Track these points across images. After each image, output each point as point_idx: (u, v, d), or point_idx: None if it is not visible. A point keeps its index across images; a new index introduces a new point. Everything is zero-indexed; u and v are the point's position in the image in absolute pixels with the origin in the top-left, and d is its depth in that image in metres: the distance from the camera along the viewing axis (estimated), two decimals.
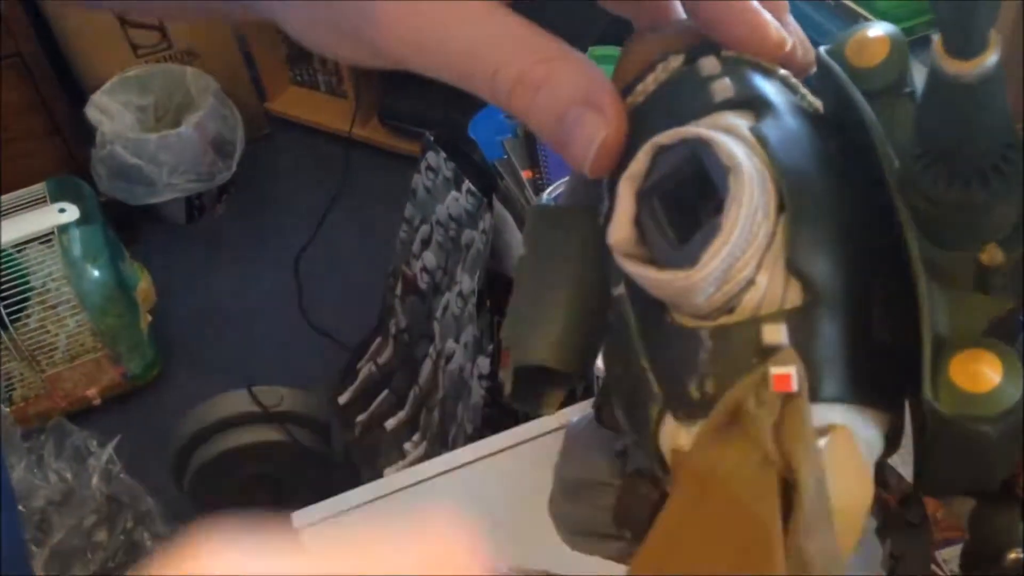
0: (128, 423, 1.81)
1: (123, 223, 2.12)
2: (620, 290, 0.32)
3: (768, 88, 0.30)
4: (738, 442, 0.26)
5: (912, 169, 0.27)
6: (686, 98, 0.30)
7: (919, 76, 0.28)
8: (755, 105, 0.29)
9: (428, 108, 2.11)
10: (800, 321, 0.27)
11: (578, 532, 0.48)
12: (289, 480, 1.57)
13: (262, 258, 2.18)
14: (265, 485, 1.59)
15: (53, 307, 1.77)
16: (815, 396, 0.27)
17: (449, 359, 1.36)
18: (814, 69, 0.32)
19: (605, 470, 0.43)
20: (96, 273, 1.78)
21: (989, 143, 0.25)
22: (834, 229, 0.28)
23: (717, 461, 0.27)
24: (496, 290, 1.25)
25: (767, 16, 0.30)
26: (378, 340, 1.65)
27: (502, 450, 0.96)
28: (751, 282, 0.27)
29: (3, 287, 1.71)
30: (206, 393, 1.58)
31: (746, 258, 0.27)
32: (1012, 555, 0.31)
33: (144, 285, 1.97)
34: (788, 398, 0.26)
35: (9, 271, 1.73)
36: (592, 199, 0.37)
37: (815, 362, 0.27)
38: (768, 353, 0.27)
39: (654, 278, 0.28)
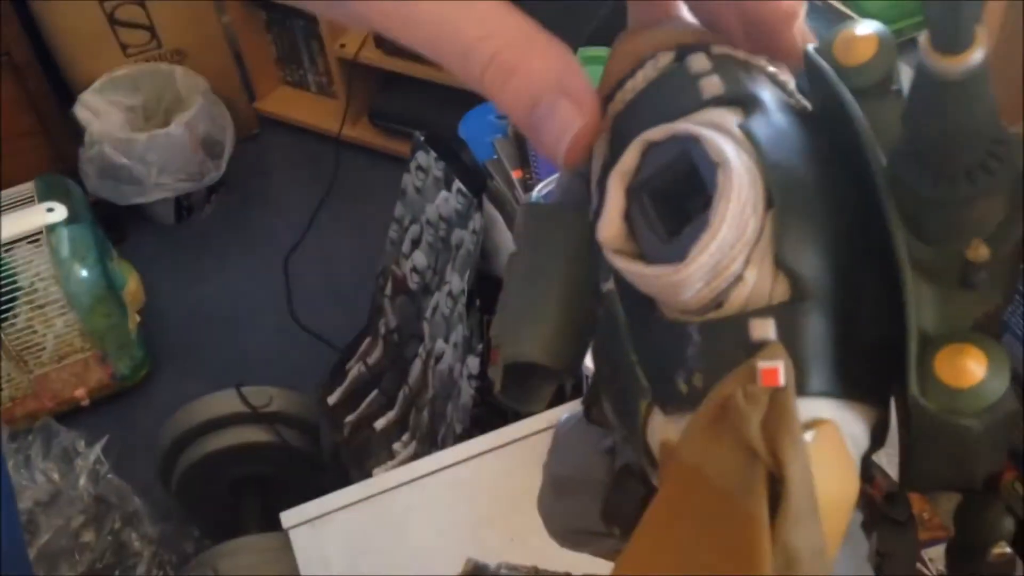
0: (116, 424, 1.81)
1: (112, 223, 2.11)
2: (609, 286, 0.32)
3: (757, 85, 0.30)
4: (726, 436, 0.26)
5: (899, 166, 0.27)
6: (675, 95, 0.30)
7: (906, 79, 0.29)
8: (744, 102, 0.29)
9: (418, 108, 2.11)
10: (788, 316, 0.27)
11: (567, 529, 0.48)
12: (277, 481, 1.57)
13: (251, 258, 2.18)
14: (253, 486, 1.59)
15: (41, 307, 1.76)
16: (802, 390, 0.27)
17: (439, 359, 1.36)
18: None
19: (594, 467, 0.43)
20: (84, 273, 1.78)
21: (976, 140, 0.26)
22: (822, 225, 0.28)
23: (705, 455, 0.27)
24: (486, 290, 1.25)
25: None
26: (368, 340, 1.65)
27: (491, 450, 0.96)
28: (739, 277, 0.27)
29: None
30: (194, 394, 1.57)
31: (734, 253, 0.27)
32: (997, 550, 0.32)
33: (133, 285, 1.97)
34: (775, 392, 0.26)
35: None
36: (582, 197, 0.37)
37: (802, 357, 0.27)
38: (756, 348, 0.27)
39: (643, 273, 0.28)
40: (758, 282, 0.27)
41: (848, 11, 1.05)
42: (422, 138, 1.37)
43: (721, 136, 0.28)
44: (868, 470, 0.34)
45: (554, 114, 0.29)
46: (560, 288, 0.35)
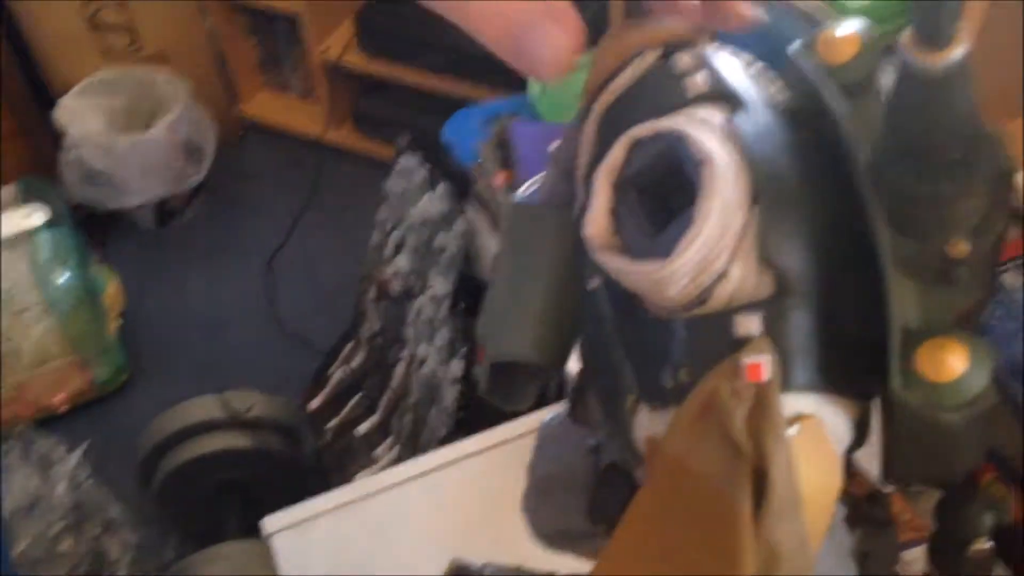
0: (96, 430, 1.79)
1: (92, 227, 2.10)
2: (595, 283, 0.32)
3: (741, 83, 0.30)
4: (710, 431, 0.27)
5: (882, 163, 0.28)
6: (661, 92, 0.31)
7: (888, 79, 0.29)
8: (729, 100, 0.30)
9: (401, 113, 2.11)
10: (772, 311, 0.27)
11: (552, 530, 0.48)
12: (259, 487, 1.56)
13: (233, 263, 2.17)
14: (234, 492, 1.58)
15: (20, 312, 1.74)
16: (786, 385, 0.27)
17: (422, 363, 1.36)
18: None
19: (578, 466, 0.43)
20: (64, 278, 1.76)
21: (957, 136, 0.26)
22: (806, 222, 0.28)
23: (689, 450, 0.27)
24: (470, 293, 1.25)
25: None
26: (350, 345, 1.64)
27: (474, 453, 0.96)
28: (724, 273, 0.28)
29: None
30: (176, 399, 1.56)
31: (719, 249, 0.27)
32: (977, 545, 0.32)
33: (113, 290, 1.95)
34: (760, 388, 0.26)
35: None
36: (567, 196, 0.37)
37: (786, 352, 0.27)
38: (741, 343, 0.27)
39: (629, 269, 0.29)
40: (743, 278, 0.28)
41: (820, 11, 1.05)
42: (406, 141, 1.37)
43: (706, 133, 0.28)
44: (851, 466, 0.34)
45: (543, 34, 0.29)
46: (546, 287, 0.35)
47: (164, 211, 2.23)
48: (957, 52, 0.24)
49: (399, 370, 1.44)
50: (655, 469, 0.28)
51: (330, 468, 1.54)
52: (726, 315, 0.28)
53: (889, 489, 0.38)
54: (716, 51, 0.32)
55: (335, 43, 2.14)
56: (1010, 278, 0.89)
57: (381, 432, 1.49)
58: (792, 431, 0.27)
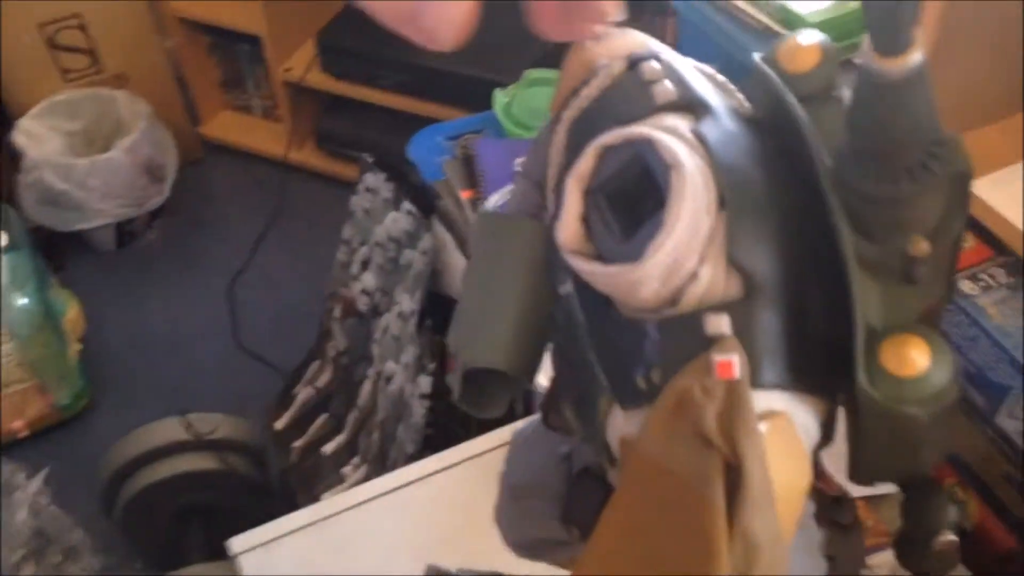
0: (57, 455, 1.76)
1: (51, 250, 2.07)
2: (567, 288, 0.33)
3: (707, 92, 0.31)
4: (683, 429, 0.27)
5: (843, 167, 0.28)
6: (629, 101, 0.31)
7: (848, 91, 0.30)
8: (695, 108, 0.31)
9: (364, 132, 2.11)
10: (741, 312, 0.28)
11: (525, 539, 0.48)
12: (223, 509, 1.54)
13: (195, 284, 2.15)
14: (198, 515, 1.56)
15: None
16: (755, 383, 0.28)
17: (389, 380, 1.36)
18: None
19: (551, 474, 0.43)
20: (23, 301, 1.74)
21: (916, 139, 0.27)
22: (772, 224, 0.29)
23: (663, 448, 0.27)
24: (437, 309, 1.25)
25: None
26: (316, 364, 1.63)
27: (443, 469, 0.96)
28: (694, 275, 0.28)
29: None
30: (138, 423, 1.54)
31: (689, 252, 0.28)
32: (943, 538, 0.33)
33: (73, 313, 1.93)
34: (731, 384, 0.27)
35: None
36: (537, 206, 0.38)
37: (755, 351, 0.28)
38: (711, 343, 0.28)
39: (601, 273, 0.29)
40: (712, 280, 0.28)
41: (775, 25, 1.08)
42: (371, 159, 1.37)
43: (674, 139, 0.29)
44: (818, 465, 0.35)
45: (441, 10, 0.30)
46: (516, 295, 0.36)
47: (124, 233, 2.21)
48: (914, 57, 0.25)
49: (366, 388, 1.44)
50: (630, 470, 0.29)
51: (297, 488, 1.52)
52: (697, 316, 0.28)
53: (855, 493, 0.39)
54: (682, 61, 0.32)
55: (297, 63, 2.14)
56: (968, 285, 0.91)
57: (348, 451, 1.48)
58: (762, 428, 0.27)
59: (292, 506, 0.95)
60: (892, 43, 0.24)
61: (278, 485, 1.61)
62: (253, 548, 0.90)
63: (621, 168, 0.30)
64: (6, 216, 1.83)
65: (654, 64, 0.32)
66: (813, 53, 0.31)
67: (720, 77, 0.33)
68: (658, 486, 0.27)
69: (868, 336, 0.28)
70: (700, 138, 0.29)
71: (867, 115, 0.27)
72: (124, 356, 2.01)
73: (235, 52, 2.32)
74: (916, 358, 0.28)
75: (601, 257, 0.30)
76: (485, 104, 1.40)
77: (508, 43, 1.85)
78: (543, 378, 0.38)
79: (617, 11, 0.33)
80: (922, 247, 0.28)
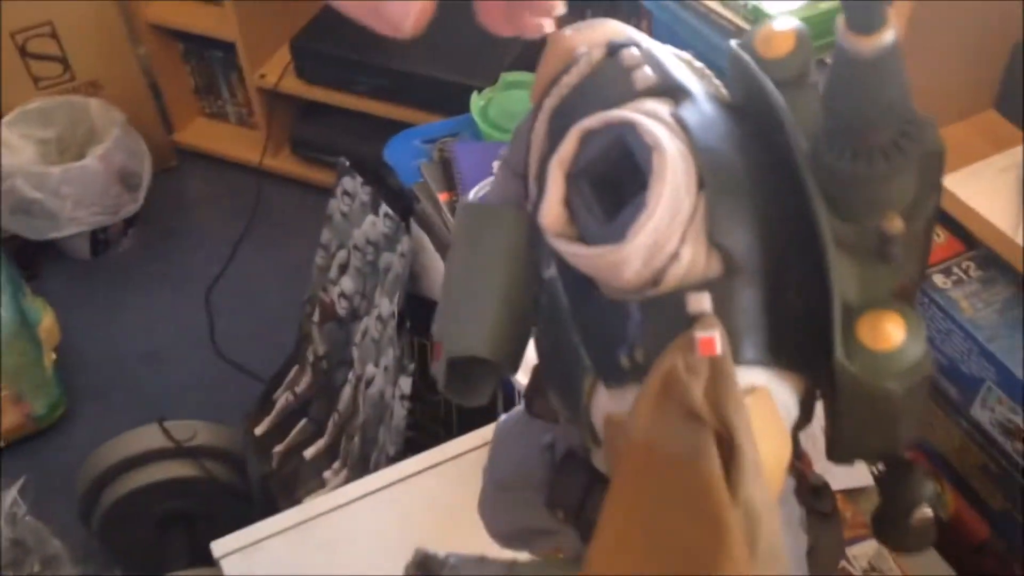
0: (33, 464, 1.74)
1: (25, 259, 2.05)
2: (551, 272, 0.33)
3: (686, 77, 0.32)
4: (672, 408, 0.28)
5: (819, 148, 0.29)
6: (610, 87, 0.32)
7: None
8: (674, 93, 0.31)
9: (339, 138, 2.11)
10: (721, 290, 0.29)
11: (510, 529, 0.48)
12: (204, 516, 1.53)
13: (171, 292, 2.14)
14: (179, 523, 1.55)
15: None
16: (736, 360, 0.28)
17: (369, 383, 1.35)
18: None
19: (535, 463, 0.44)
20: None
21: (889, 118, 0.28)
22: (750, 205, 0.30)
23: (654, 430, 0.28)
24: (416, 312, 1.25)
25: None
26: (295, 369, 1.63)
27: (425, 469, 0.96)
28: (675, 255, 0.29)
29: None
30: (115, 433, 1.53)
31: (670, 232, 0.29)
32: (920, 513, 0.34)
33: (48, 322, 1.91)
34: (714, 360, 0.27)
35: None
36: (517, 197, 0.38)
37: (735, 328, 0.28)
38: (693, 321, 0.28)
39: (584, 254, 0.30)
40: (693, 259, 0.29)
41: (746, 26, 1.09)
42: (348, 163, 1.37)
43: (655, 123, 0.29)
44: (797, 445, 0.36)
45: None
46: (499, 283, 0.36)
47: (99, 241, 2.19)
48: (887, 36, 0.25)
49: (346, 392, 1.44)
50: (623, 460, 0.29)
51: (278, 493, 1.52)
52: (678, 295, 0.29)
53: (835, 487, 0.40)
54: (661, 48, 0.33)
55: (271, 69, 2.14)
56: (940, 279, 0.93)
57: (329, 455, 1.47)
58: (744, 402, 0.28)
59: (273, 512, 0.95)
60: (865, 21, 0.25)
61: (259, 491, 1.60)
62: (236, 551, 0.90)
63: (603, 151, 0.30)
64: None
65: (633, 51, 0.32)
66: (788, 39, 0.32)
67: (698, 63, 0.34)
68: (654, 469, 0.28)
69: (845, 313, 0.29)
70: (680, 121, 0.30)
71: (842, 94, 0.28)
72: (100, 365, 2.00)
73: (209, 59, 2.32)
74: (892, 332, 0.28)
75: (584, 239, 0.30)
76: (460, 109, 1.40)
77: (483, 47, 1.86)
78: (522, 375, 0.39)
79: (562, 6, 0.35)
80: (896, 224, 0.29)
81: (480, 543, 0.48)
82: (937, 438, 0.93)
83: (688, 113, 0.30)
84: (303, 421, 1.53)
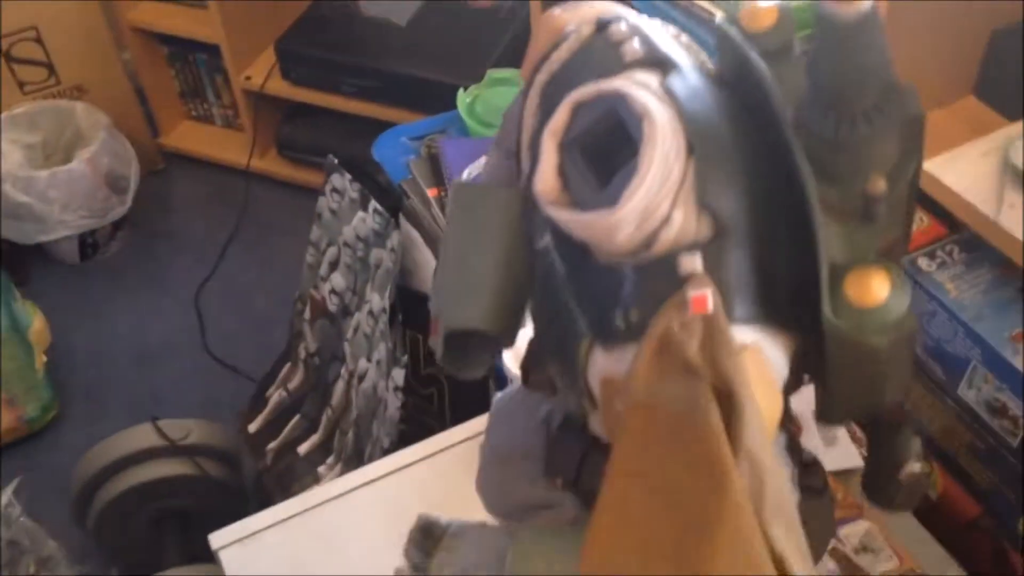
0: (27, 466, 1.74)
1: (14, 263, 2.05)
2: (545, 241, 0.34)
3: (673, 50, 0.33)
4: (669, 366, 0.29)
5: (804, 113, 0.30)
6: (599, 60, 0.33)
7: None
8: (662, 64, 0.32)
9: (326, 138, 2.11)
10: (712, 251, 0.30)
11: (508, 504, 0.49)
12: (199, 514, 1.53)
13: (161, 294, 2.14)
14: (174, 521, 1.55)
15: None
16: (728, 318, 0.29)
17: (362, 378, 1.36)
18: None
19: (532, 436, 0.45)
20: None
21: (871, 82, 0.29)
22: (738, 170, 0.31)
23: (654, 389, 0.29)
24: (407, 306, 1.26)
25: None
26: (287, 366, 1.63)
27: (420, 460, 0.97)
28: (667, 218, 0.30)
29: None
30: (108, 433, 1.53)
31: (661, 197, 0.30)
32: (908, 469, 0.35)
33: (38, 326, 1.91)
34: (707, 317, 0.28)
35: None
36: (509, 177, 0.39)
37: (726, 287, 0.30)
38: (685, 281, 0.29)
39: (579, 220, 0.31)
40: (684, 222, 0.30)
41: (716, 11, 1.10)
42: (336, 160, 1.38)
43: (645, 92, 0.31)
44: (788, 408, 0.37)
45: None
46: (494, 258, 0.37)
47: (87, 245, 2.19)
48: (865, 2, 0.27)
49: (339, 387, 1.44)
50: (625, 420, 0.30)
51: (272, 490, 1.52)
52: (671, 257, 0.30)
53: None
54: (648, 22, 0.34)
55: (257, 71, 2.14)
56: (925, 263, 0.94)
57: (323, 450, 1.48)
58: None
59: (268, 507, 0.95)
60: None
61: (253, 488, 1.60)
62: (234, 543, 0.90)
63: (595, 121, 0.31)
64: None
65: (621, 25, 0.33)
66: (771, 13, 0.33)
67: (685, 38, 0.35)
68: (655, 428, 0.28)
69: (832, 272, 0.30)
70: (668, 91, 0.31)
71: (825, 58, 0.29)
72: (91, 368, 2.00)
73: (193, 61, 2.32)
74: (876, 288, 0.29)
75: (578, 206, 0.31)
76: (446, 108, 1.41)
77: (468, 47, 1.87)
78: (513, 365, 0.40)
79: None
80: (880, 185, 0.30)
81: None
82: (925, 418, 0.94)
83: (676, 83, 0.31)
84: (296, 417, 1.54)
